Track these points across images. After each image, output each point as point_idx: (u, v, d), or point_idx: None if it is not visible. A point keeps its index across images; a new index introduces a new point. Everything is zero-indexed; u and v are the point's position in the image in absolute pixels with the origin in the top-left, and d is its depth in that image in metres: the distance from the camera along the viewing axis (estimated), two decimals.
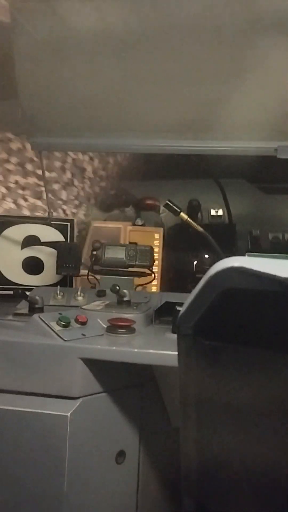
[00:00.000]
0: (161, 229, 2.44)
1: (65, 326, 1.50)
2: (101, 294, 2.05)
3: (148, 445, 1.60)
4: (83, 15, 1.64)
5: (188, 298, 0.75)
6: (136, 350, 1.41)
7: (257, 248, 2.74)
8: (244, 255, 2.16)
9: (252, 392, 0.73)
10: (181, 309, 0.76)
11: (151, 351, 1.40)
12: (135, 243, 2.14)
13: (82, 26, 1.67)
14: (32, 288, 2.12)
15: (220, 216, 2.90)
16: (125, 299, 1.83)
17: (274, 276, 0.63)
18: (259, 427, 0.74)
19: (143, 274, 2.20)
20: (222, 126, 1.76)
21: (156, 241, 2.39)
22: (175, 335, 1.54)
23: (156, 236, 2.40)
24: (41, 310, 1.72)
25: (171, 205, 1.96)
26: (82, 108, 1.81)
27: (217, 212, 2.82)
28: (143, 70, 1.73)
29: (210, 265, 0.71)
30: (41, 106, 1.84)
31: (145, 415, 1.59)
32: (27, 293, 1.85)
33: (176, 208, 1.96)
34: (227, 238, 2.58)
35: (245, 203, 2.86)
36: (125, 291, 1.84)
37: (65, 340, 1.44)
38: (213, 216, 2.80)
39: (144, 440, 1.58)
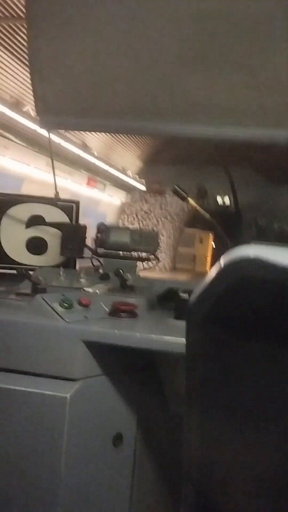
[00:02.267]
0: None
1: (67, 308, 1.49)
2: (104, 277, 2.05)
3: (145, 429, 1.60)
4: None
5: (199, 286, 0.74)
6: (138, 334, 1.40)
7: (263, 237, 2.72)
8: (249, 243, 2.14)
9: (260, 383, 0.72)
10: (191, 297, 0.75)
11: (153, 336, 1.39)
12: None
13: (96, 6, 1.64)
14: (35, 268, 2.11)
15: (226, 204, 2.88)
16: (128, 283, 1.83)
17: None
18: (264, 418, 0.73)
19: (147, 259, 2.19)
20: (233, 111, 1.73)
21: None
22: (178, 321, 1.55)
23: None
24: (43, 290, 1.71)
25: (179, 190, 1.94)
26: (92, 88, 1.79)
27: (223, 200, 2.79)
28: (156, 52, 1.70)
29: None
30: (52, 85, 1.81)
31: (144, 400, 1.59)
32: (30, 273, 1.85)
33: (184, 194, 1.94)
34: (233, 226, 2.57)
35: (252, 191, 2.83)
36: (128, 275, 1.83)
37: (67, 322, 1.43)
38: (219, 204, 2.78)
39: (142, 424, 1.58)
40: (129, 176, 9.28)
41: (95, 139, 7.56)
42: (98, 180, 8.94)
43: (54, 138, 5.84)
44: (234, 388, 0.74)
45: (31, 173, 7.21)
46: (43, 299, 1.50)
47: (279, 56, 1.59)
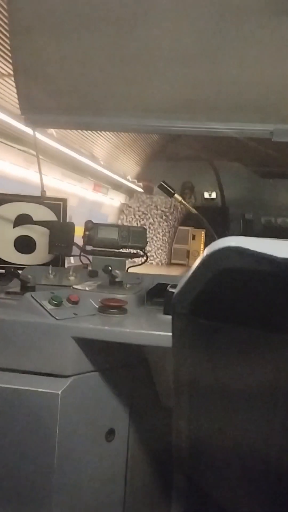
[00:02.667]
0: None
1: (57, 305, 1.50)
2: (93, 274, 2.05)
3: (137, 424, 1.61)
4: None
5: (183, 277, 0.75)
6: (128, 330, 1.41)
7: (250, 231, 2.75)
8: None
9: (245, 371, 0.73)
10: (176, 288, 0.76)
11: (143, 331, 1.41)
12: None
13: (79, 3, 1.64)
14: (24, 267, 2.11)
15: (213, 199, 2.89)
16: (117, 279, 1.83)
17: (271, 256, 0.63)
18: (250, 406, 0.75)
19: (135, 255, 2.20)
20: (218, 107, 1.74)
21: None
22: (167, 316, 1.57)
23: None
24: (33, 289, 1.71)
25: (166, 186, 1.95)
26: (77, 86, 1.79)
27: (210, 194, 2.80)
28: (140, 49, 1.71)
29: None
30: (36, 83, 1.81)
31: (135, 395, 1.60)
32: (19, 272, 1.85)
33: (170, 189, 1.95)
34: (220, 221, 2.58)
35: (239, 186, 2.85)
36: (117, 271, 1.84)
37: (57, 319, 1.44)
38: (206, 198, 2.79)
39: (134, 419, 1.60)
40: (128, 180, 10.40)
41: (101, 149, 8.51)
42: (102, 185, 9.96)
43: (66, 150, 6.95)
44: (220, 373, 0.75)
45: (48, 182, 7.94)
46: (33, 297, 1.51)
47: (263, 53, 1.61)
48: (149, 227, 11.90)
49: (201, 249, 12.05)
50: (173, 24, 1.66)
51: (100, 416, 1.51)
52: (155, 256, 12.26)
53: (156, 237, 12.33)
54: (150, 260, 11.69)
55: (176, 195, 1.95)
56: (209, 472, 0.81)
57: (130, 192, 11.41)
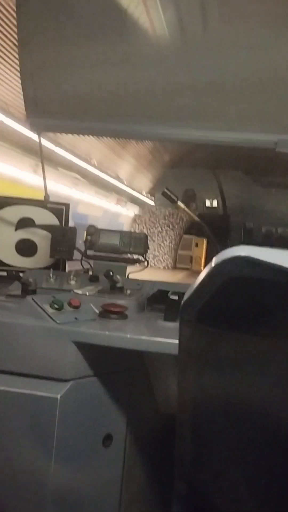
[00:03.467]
0: None
1: (58, 309, 1.50)
2: (94, 279, 2.05)
3: (135, 430, 1.61)
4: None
5: (192, 285, 0.76)
6: (128, 335, 1.42)
7: (250, 240, 2.76)
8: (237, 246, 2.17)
9: (252, 380, 0.74)
10: (185, 295, 0.77)
11: (143, 337, 1.41)
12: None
13: (85, 11, 1.65)
14: (25, 270, 2.12)
15: (215, 207, 2.90)
16: (118, 285, 1.84)
17: (281, 266, 0.64)
18: (256, 415, 0.75)
19: (136, 261, 2.20)
20: (222, 116, 1.75)
21: None
22: (167, 323, 1.57)
23: None
24: (34, 292, 1.72)
25: (169, 193, 1.96)
26: (82, 91, 1.80)
27: (212, 203, 2.81)
28: (145, 56, 1.72)
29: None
30: (42, 88, 1.83)
31: (134, 401, 1.60)
32: (20, 275, 1.85)
33: (173, 197, 1.96)
34: (221, 229, 2.59)
35: (240, 195, 2.86)
36: (118, 277, 1.85)
37: (57, 323, 1.44)
38: (208, 207, 2.80)
39: (132, 425, 1.60)
40: (142, 195, 12.62)
41: (124, 171, 10.48)
42: (122, 199, 12.24)
43: (102, 174, 9.16)
44: (226, 382, 0.76)
45: (84, 198, 10.71)
46: (34, 300, 1.51)
47: (267, 63, 1.62)
48: (158, 235, 14.01)
49: (203, 256, 13.85)
50: (176, 32, 1.68)
51: (98, 421, 1.51)
52: (162, 261, 14.29)
53: (163, 244, 14.21)
54: (158, 264, 14.06)
55: (178, 202, 1.95)
56: (212, 480, 0.81)
57: (142, 205, 13.68)
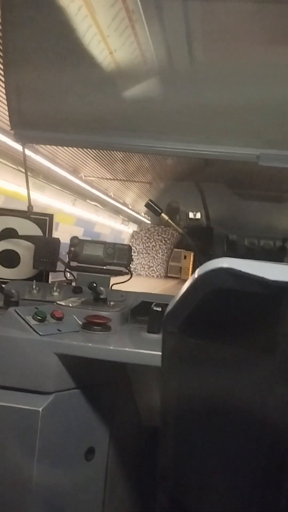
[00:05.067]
0: None
1: (41, 321, 1.49)
2: (77, 290, 2.05)
3: (117, 443, 1.60)
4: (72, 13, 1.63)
5: (175, 296, 0.76)
6: (111, 347, 1.41)
7: (233, 252, 2.78)
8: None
9: (233, 390, 0.74)
10: (168, 307, 0.77)
11: (126, 349, 1.41)
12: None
13: (69, 27, 1.66)
14: (7, 281, 2.10)
15: (198, 219, 2.93)
16: (101, 296, 1.83)
17: (263, 278, 0.65)
18: (237, 425, 0.75)
19: (120, 273, 2.20)
20: (204, 130, 1.77)
21: None
22: (151, 335, 1.57)
23: None
24: (16, 303, 1.70)
25: (153, 205, 1.97)
26: (67, 103, 1.81)
27: (195, 215, 2.84)
28: (128, 70, 1.74)
29: None
30: (26, 100, 1.83)
31: (117, 413, 1.59)
32: (3, 286, 1.84)
33: (157, 209, 1.97)
34: (205, 241, 2.61)
35: (223, 207, 2.90)
36: (102, 288, 1.84)
37: (40, 335, 1.43)
38: (191, 219, 2.83)
39: (114, 437, 1.59)
40: (140, 215, 15.10)
41: (129, 198, 12.97)
42: (126, 219, 15.46)
43: (117, 203, 11.96)
44: (208, 392, 0.76)
45: (99, 219, 13.76)
46: (16, 311, 1.50)
47: (250, 78, 1.65)
48: (152, 249, 17.04)
49: (191, 266, 16.07)
50: (161, 48, 1.70)
51: (80, 434, 1.50)
52: (155, 270, 17.48)
53: (157, 256, 17.12)
54: (152, 273, 17.13)
55: (162, 215, 1.97)
56: (195, 493, 0.81)
57: (139, 223, 16.61)
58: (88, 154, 8.40)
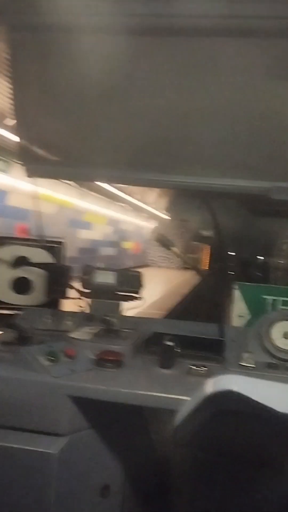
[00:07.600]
0: None
1: (54, 361, 1.50)
2: (89, 318, 2.06)
3: (133, 478, 1.61)
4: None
5: (183, 408, 0.76)
6: (125, 390, 1.42)
7: (244, 270, 2.77)
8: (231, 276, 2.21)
9: (240, 501, 0.74)
10: (177, 419, 0.77)
11: (140, 392, 1.41)
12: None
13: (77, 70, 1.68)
14: (20, 308, 2.12)
15: (209, 236, 2.92)
16: (113, 328, 1.85)
17: (272, 409, 0.64)
18: None
19: (131, 298, 2.21)
20: (215, 164, 1.78)
21: None
22: (163, 370, 1.58)
23: None
24: (29, 339, 1.72)
25: (163, 239, 1.98)
26: (76, 140, 1.82)
27: (206, 232, 2.83)
28: (135, 106, 1.74)
29: None
30: (37, 135, 1.84)
31: (131, 449, 1.60)
32: (17, 313, 1.84)
33: (168, 243, 1.98)
34: (218, 259, 2.60)
35: (235, 225, 2.89)
36: (114, 320, 1.85)
37: (54, 377, 1.44)
38: (203, 236, 2.82)
39: (129, 474, 1.59)
40: (161, 212, 17.31)
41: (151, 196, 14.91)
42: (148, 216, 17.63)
43: (136, 201, 13.30)
44: (216, 502, 0.76)
45: (127, 219, 16.36)
46: (29, 352, 1.51)
47: (260, 112, 1.65)
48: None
49: (206, 258, 18.35)
50: (167, 85, 1.70)
51: (96, 473, 1.51)
52: (174, 262, 18.58)
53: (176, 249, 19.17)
54: (171, 265, 18.48)
55: (173, 249, 1.97)
56: None
57: (159, 219, 18.70)
58: None
